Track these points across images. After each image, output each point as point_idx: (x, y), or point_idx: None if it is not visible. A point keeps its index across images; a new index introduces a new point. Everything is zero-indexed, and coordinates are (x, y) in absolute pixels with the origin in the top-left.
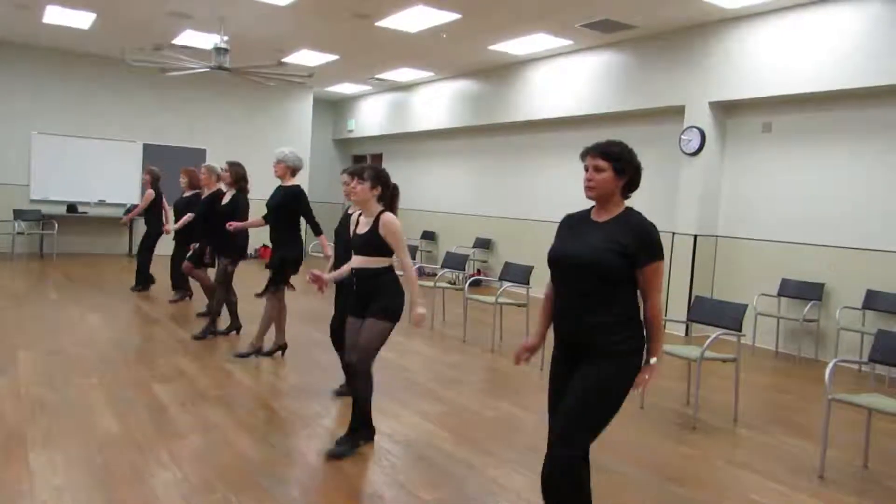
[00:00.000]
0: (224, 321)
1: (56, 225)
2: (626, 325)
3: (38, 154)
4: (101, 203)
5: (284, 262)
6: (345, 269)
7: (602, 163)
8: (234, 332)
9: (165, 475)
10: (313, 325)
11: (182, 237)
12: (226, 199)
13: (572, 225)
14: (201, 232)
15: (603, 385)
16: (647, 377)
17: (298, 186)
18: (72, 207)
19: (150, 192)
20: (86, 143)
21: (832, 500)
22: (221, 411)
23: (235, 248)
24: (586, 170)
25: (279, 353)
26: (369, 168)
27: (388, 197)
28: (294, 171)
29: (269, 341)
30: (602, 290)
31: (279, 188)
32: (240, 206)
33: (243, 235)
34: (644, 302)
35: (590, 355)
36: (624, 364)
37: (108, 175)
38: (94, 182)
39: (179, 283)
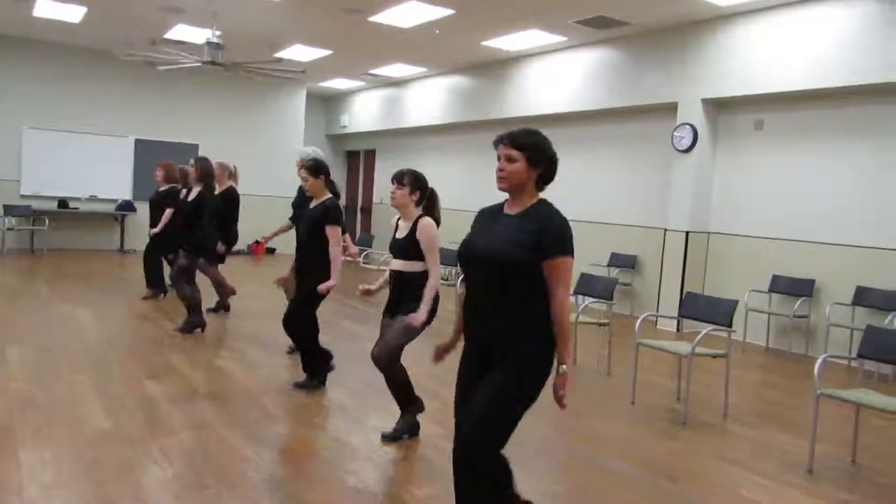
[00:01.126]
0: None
1: (47, 221)
2: (534, 326)
3: (29, 149)
4: (93, 199)
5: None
6: (385, 275)
7: (514, 153)
8: (198, 330)
9: (157, 472)
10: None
11: (159, 234)
12: (192, 196)
13: (484, 219)
14: (214, 228)
15: (507, 393)
16: (562, 392)
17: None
18: (63, 203)
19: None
20: (77, 138)
21: (821, 495)
22: (213, 408)
23: (201, 244)
24: (498, 159)
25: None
26: (408, 173)
27: (427, 201)
28: None
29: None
30: (509, 288)
31: (302, 188)
32: (205, 204)
33: (214, 234)
34: (550, 300)
35: (497, 358)
36: (530, 369)
37: (100, 170)
38: (85, 177)
39: (154, 281)
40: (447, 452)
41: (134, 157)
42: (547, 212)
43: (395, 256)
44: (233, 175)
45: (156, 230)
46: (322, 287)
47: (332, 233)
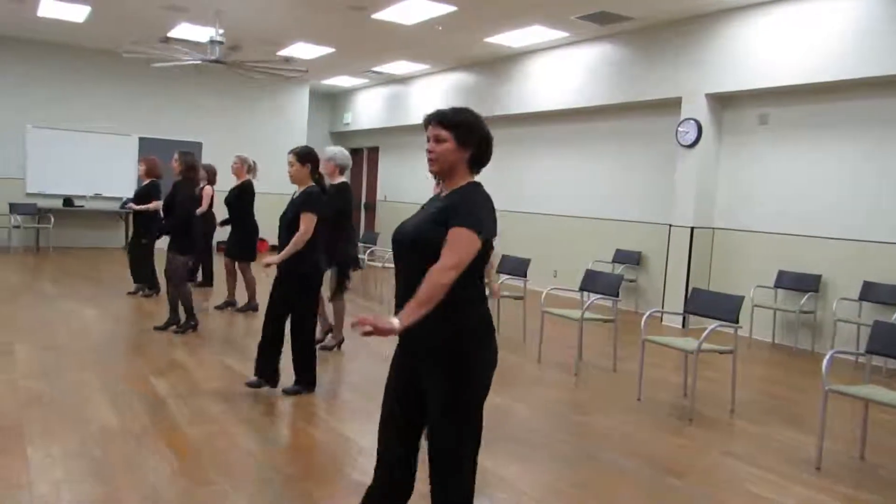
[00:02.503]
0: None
1: (52, 219)
2: (458, 314)
3: (34, 147)
4: (97, 197)
5: (345, 264)
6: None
7: (442, 132)
8: (190, 329)
9: (163, 467)
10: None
11: (141, 229)
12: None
13: (425, 205)
14: (232, 222)
15: (453, 404)
16: (367, 324)
17: (345, 183)
18: (68, 201)
19: (209, 188)
20: (81, 136)
21: (829, 491)
22: (219, 404)
23: (193, 242)
24: (427, 140)
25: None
26: None
27: None
28: (342, 169)
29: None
30: (425, 272)
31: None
32: (184, 198)
33: (200, 229)
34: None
35: (422, 353)
36: (466, 368)
37: (104, 169)
38: (89, 176)
39: (140, 277)
40: None
41: (138, 156)
42: (465, 190)
43: None
44: (252, 169)
45: (139, 208)
46: (265, 261)
47: (304, 219)
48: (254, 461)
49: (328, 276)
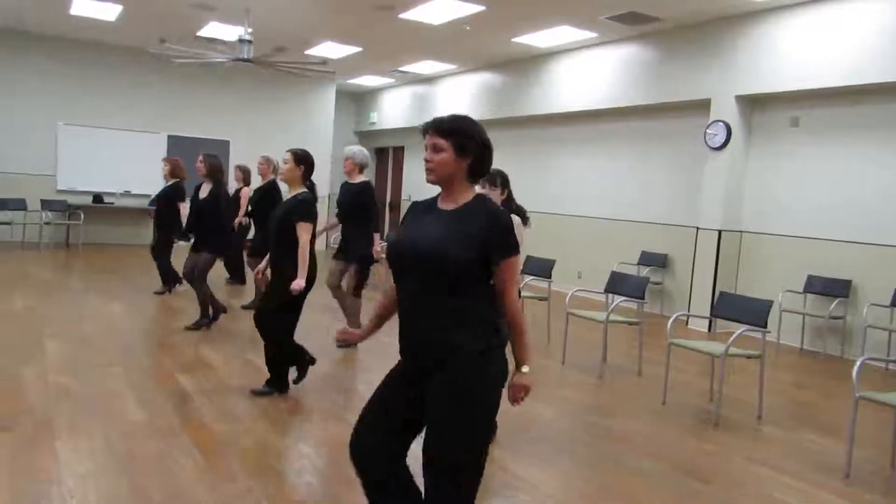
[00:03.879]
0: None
1: (82, 215)
2: (477, 329)
3: (65, 145)
4: (127, 194)
5: (364, 261)
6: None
7: (441, 141)
8: (204, 327)
9: (188, 463)
10: (332, 316)
11: (164, 229)
12: (203, 192)
13: (416, 214)
14: (256, 222)
15: (461, 411)
16: (521, 394)
17: (367, 182)
18: (97, 198)
19: (246, 190)
20: (111, 133)
21: (858, 499)
22: (244, 401)
23: (222, 242)
24: (426, 149)
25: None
26: (499, 174)
27: (507, 199)
28: (362, 167)
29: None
30: (447, 289)
31: (345, 184)
32: (220, 200)
33: (230, 231)
34: (502, 301)
35: (436, 369)
36: (479, 377)
37: (134, 166)
38: (119, 173)
39: (167, 276)
40: None
41: (167, 153)
42: (489, 208)
43: None
44: (277, 170)
45: (183, 229)
46: (293, 286)
47: (302, 229)
48: (279, 459)
49: (349, 272)
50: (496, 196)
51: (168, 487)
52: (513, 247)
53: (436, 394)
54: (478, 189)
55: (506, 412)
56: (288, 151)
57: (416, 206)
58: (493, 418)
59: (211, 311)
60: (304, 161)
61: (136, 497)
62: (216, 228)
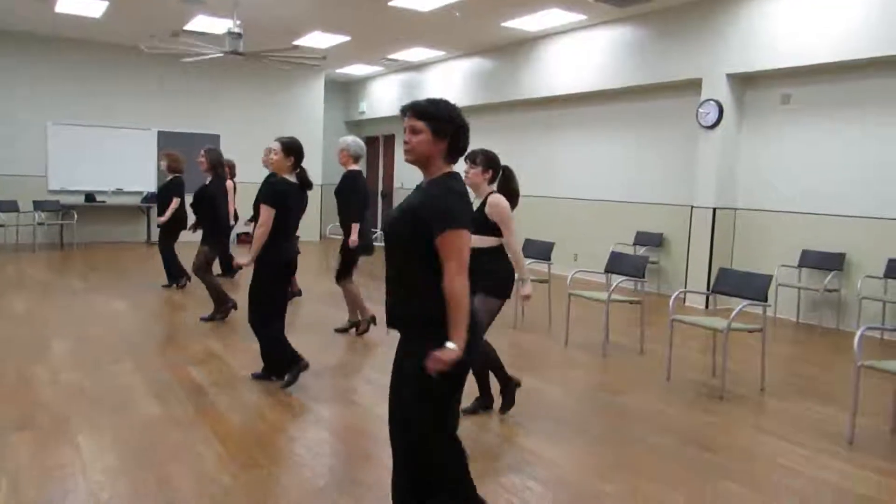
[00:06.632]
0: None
1: (75, 215)
2: (425, 302)
3: (55, 144)
4: (119, 192)
5: (355, 250)
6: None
7: (418, 123)
8: (218, 318)
9: (210, 453)
10: (338, 306)
11: (170, 223)
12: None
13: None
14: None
15: (407, 378)
16: (432, 364)
17: (356, 171)
18: (90, 197)
19: (230, 183)
20: (101, 132)
21: (862, 464)
22: (256, 391)
23: (220, 232)
24: (404, 132)
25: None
26: (481, 153)
27: (502, 179)
28: (356, 157)
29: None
30: (405, 266)
31: (343, 175)
32: (216, 191)
33: (227, 220)
34: (443, 279)
35: (401, 346)
36: (423, 347)
37: (125, 163)
38: (110, 171)
39: (173, 271)
40: (488, 428)
41: (157, 149)
42: (437, 183)
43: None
44: None
45: (163, 219)
46: (236, 262)
47: (263, 211)
48: (297, 444)
49: (336, 260)
50: (476, 174)
51: (194, 476)
52: (445, 222)
53: (396, 359)
54: (464, 168)
55: (517, 393)
56: (276, 140)
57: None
58: (437, 386)
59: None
60: (292, 150)
61: (165, 487)
62: (214, 221)
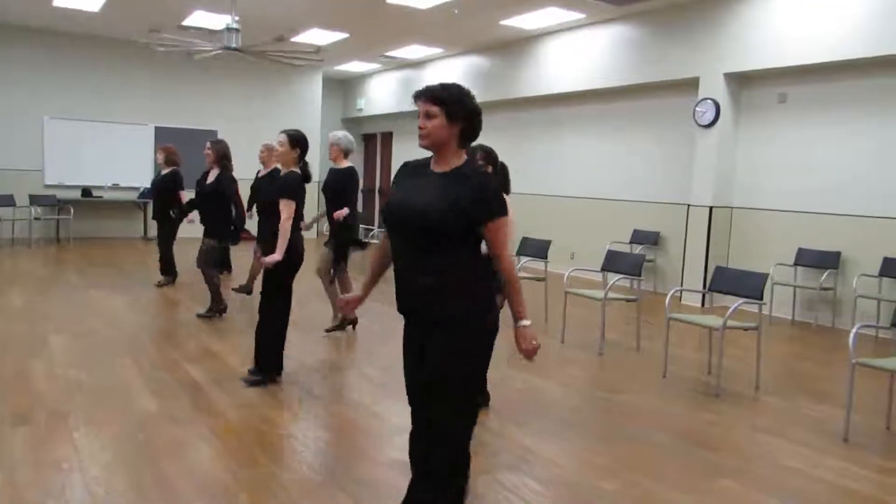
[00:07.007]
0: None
1: (72, 210)
2: (466, 289)
3: (51, 139)
4: (115, 187)
5: (344, 244)
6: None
7: (433, 108)
8: (217, 315)
9: (208, 450)
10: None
11: (170, 218)
12: (210, 178)
13: (409, 175)
14: (261, 210)
15: (452, 366)
16: (523, 346)
17: (352, 167)
18: (86, 192)
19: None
20: (98, 126)
21: (859, 461)
22: (255, 389)
23: (228, 229)
24: (419, 116)
25: (350, 327)
26: (480, 150)
27: (500, 176)
28: (346, 153)
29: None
30: (438, 249)
31: (332, 170)
32: (224, 185)
33: (239, 217)
34: (494, 262)
35: (429, 325)
36: (467, 334)
37: (121, 159)
38: (107, 166)
39: (168, 268)
40: (487, 427)
41: (154, 145)
42: (475, 172)
43: None
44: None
45: (192, 216)
46: (265, 260)
47: (284, 206)
48: (295, 442)
49: (326, 256)
50: None
51: (192, 474)
52: (496, 209)
53: (431, 348)
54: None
55: (515, 391)
56: (282, 133)
57: (406, 167)
58: (478, 369)
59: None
60: (299, 142)
61: (162, 483)
62: (218, 214)
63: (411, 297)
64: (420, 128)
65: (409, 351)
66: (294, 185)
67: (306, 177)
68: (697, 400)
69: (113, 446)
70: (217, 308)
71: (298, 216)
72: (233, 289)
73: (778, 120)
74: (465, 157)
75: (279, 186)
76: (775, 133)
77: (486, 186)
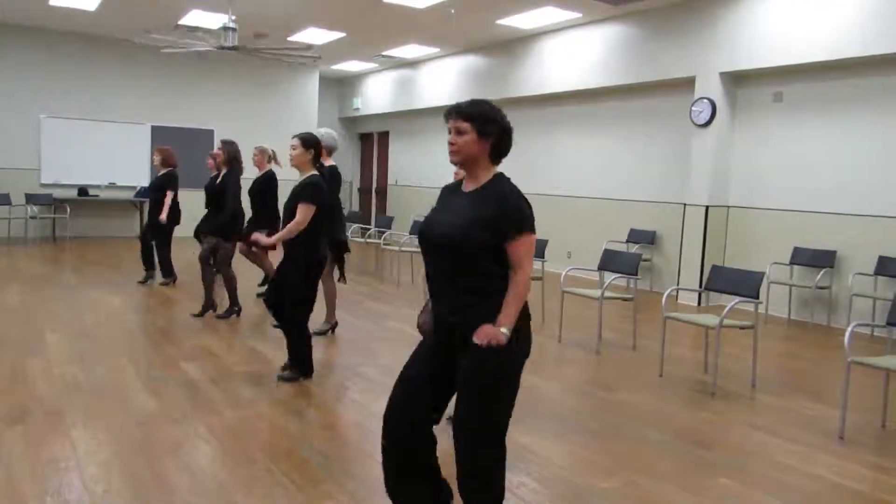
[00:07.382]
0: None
1: (68, 209)
2: (496, 306)
3: (48, 138)
4: (112, 186)
5: (333, 247)
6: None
7: (463, 124)
8: (234, 315)
9: (206, 448)
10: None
11: (157, 219)
12: (220, 179)
13: (444, 197)
14: (256, 213)
15: (487, 381)
16: (482, 338)
17: (334, 166)
18: (82, 191)
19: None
20: (94, 125)
21: (854, 459)
22: (252, 387)
23: (236, 228)
24: (449, 132)
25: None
26: None
27: None
28: (330, 151)
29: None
30: (467, 268)
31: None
32: (230, 185)
33: (242, 216)
34: (513, 275)
35: (464, 343)
36: (500, 351)
37: (118, 158)
38: (103, 165)
39: (166, 268)
40: None
41: (151, 144)
42: (503, 188)
43: None
44: (272, 158)
45: (163, 216)
46: (254, 236)
47: (302, 209)
48: (293, 441)
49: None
50: None
51: (190, 472)
52: (522, 226)
53: (463, 367)
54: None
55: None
56: (295, 137)
57: (445, 190)
58: (513, 388)
59: (205, 303)
60: (312, 145)
61: (160, 481)
62: (224, 213)
63: (443, 317)
64: (450, 143)
65: (432, 348)
66: (313, 189)
67: (335, 177)
68: (694, 398)
69: (111, 444)
70: (233, 309)
71: (321, 222)
72: (257, 294)
73: (774, 119)
74: (493, 173)
75: (300, 191)
76: (771, 132)
77: (507, 202)
